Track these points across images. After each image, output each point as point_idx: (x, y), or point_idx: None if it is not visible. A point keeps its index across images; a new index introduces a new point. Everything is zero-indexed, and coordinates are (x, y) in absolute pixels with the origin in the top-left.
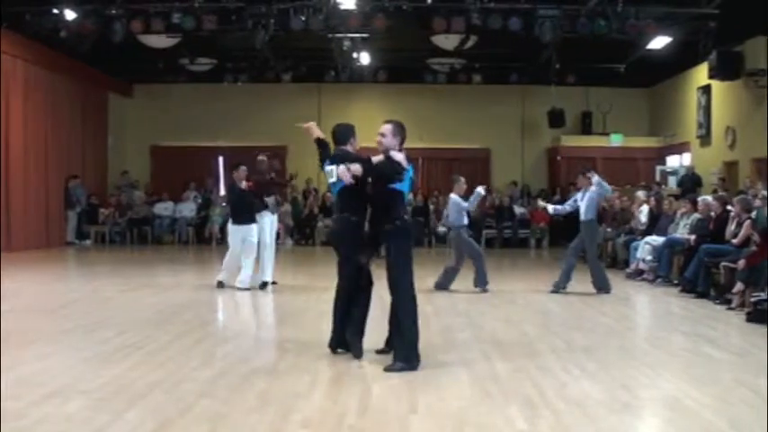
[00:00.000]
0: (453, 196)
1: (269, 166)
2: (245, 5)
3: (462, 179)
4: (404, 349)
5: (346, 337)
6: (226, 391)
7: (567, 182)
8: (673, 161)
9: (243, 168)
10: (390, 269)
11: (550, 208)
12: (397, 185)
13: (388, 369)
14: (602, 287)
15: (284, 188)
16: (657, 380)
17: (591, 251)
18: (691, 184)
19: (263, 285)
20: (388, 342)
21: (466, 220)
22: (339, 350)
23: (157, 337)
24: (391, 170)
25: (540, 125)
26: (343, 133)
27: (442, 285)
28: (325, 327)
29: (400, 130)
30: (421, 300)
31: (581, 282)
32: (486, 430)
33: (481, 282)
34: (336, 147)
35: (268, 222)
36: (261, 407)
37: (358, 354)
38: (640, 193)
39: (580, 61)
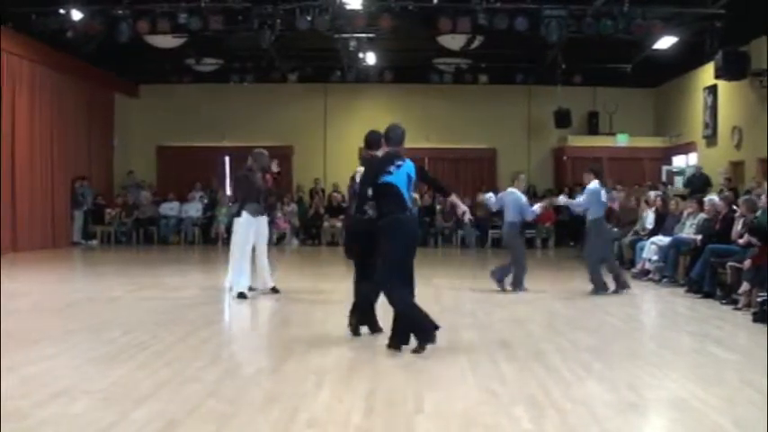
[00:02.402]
0: (513, 190)
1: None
2: (252, 6)
3: (523, 176)
4: (414, 330)
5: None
6: (232, 390)
7: (573, 182)
8: (679, 161)
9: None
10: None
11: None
12: (384, 179)
13: (414, 351)
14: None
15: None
16: (663, 380)
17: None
18: (700, 183)
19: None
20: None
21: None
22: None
23: (163, 337)
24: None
25: (546, 125)
26: None
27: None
28: (330, 327)
29: (371, 142)
30: (428, 299)
31: (589, 281)
32: (492, 430)
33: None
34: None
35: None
36: (267, 406)
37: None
38: (652, 194)
39: (586, 61)
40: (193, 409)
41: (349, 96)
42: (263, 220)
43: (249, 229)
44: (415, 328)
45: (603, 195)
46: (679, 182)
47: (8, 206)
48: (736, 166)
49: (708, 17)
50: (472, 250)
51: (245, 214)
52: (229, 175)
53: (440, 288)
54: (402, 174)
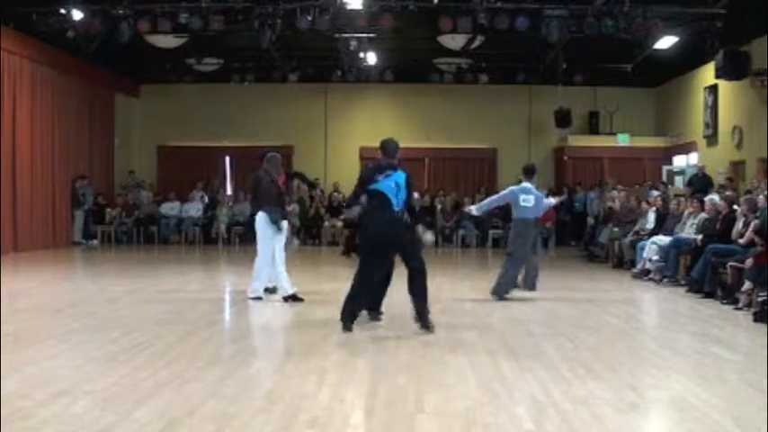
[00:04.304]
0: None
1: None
2: (252, 5)
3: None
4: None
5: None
6: (233, 390)
7: (573, 182)
8: (679, 161)
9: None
10: None
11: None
12: (372, 186)
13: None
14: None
15: None
16: (664, 380)
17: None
18: (702, 184)
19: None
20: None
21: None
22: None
23: (164, 336)
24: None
25: (546, 125)
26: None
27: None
28: (331, 327)
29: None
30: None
31: (589, 281)
32: (493, 430)
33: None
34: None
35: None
36: (268, 407)
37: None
38: (655, 193)
39: (587, 61)
40: (194, 409)
41: (349, 96)
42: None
43: (266, 232)
44: (344, 307)
45: (528, 199)
46: (679, 182)
47: (9, 206)
48: (737, 166)
49: (708, 17)
50: (472, 250)
51: (261, 215)
52: (230, 174)
53: (440, 288)
54: (390, 182)
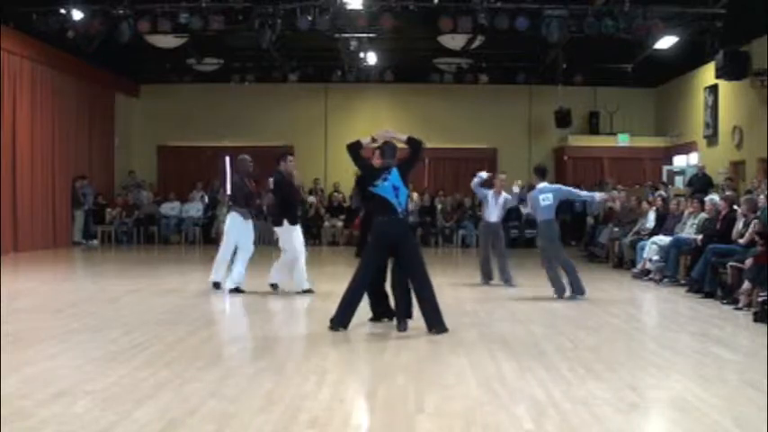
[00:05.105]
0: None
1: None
2: (252, 5)
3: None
4: (338, 308)
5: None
6: (233, 390)
7: (574, 182)
8: (679, 161)
9: (291, 158)
10: None
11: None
12: (372, 190)
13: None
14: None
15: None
16: (664, 380)
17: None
18: (701, 184)
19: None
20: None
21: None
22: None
23: (164, 336)
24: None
25: (546, 125)
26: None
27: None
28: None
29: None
30: None
31: (589, 281)
32: (493, 430)
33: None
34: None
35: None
36: (268, 407)
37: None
38: (656, 194)
39: (587, 61)
40: (194, 409)
41: (349, 96)
42: (249, 223)
43: (233, 229)
44: (339, 307)
45: (547, 197)
46: (679, 182)
47: (9, 206)
48: (737, 166)
49: (708, 17)
50: (472, 250)
51: (232, 214)
52: (230, 175)
53: (440, 287)
54: (388, 185)
